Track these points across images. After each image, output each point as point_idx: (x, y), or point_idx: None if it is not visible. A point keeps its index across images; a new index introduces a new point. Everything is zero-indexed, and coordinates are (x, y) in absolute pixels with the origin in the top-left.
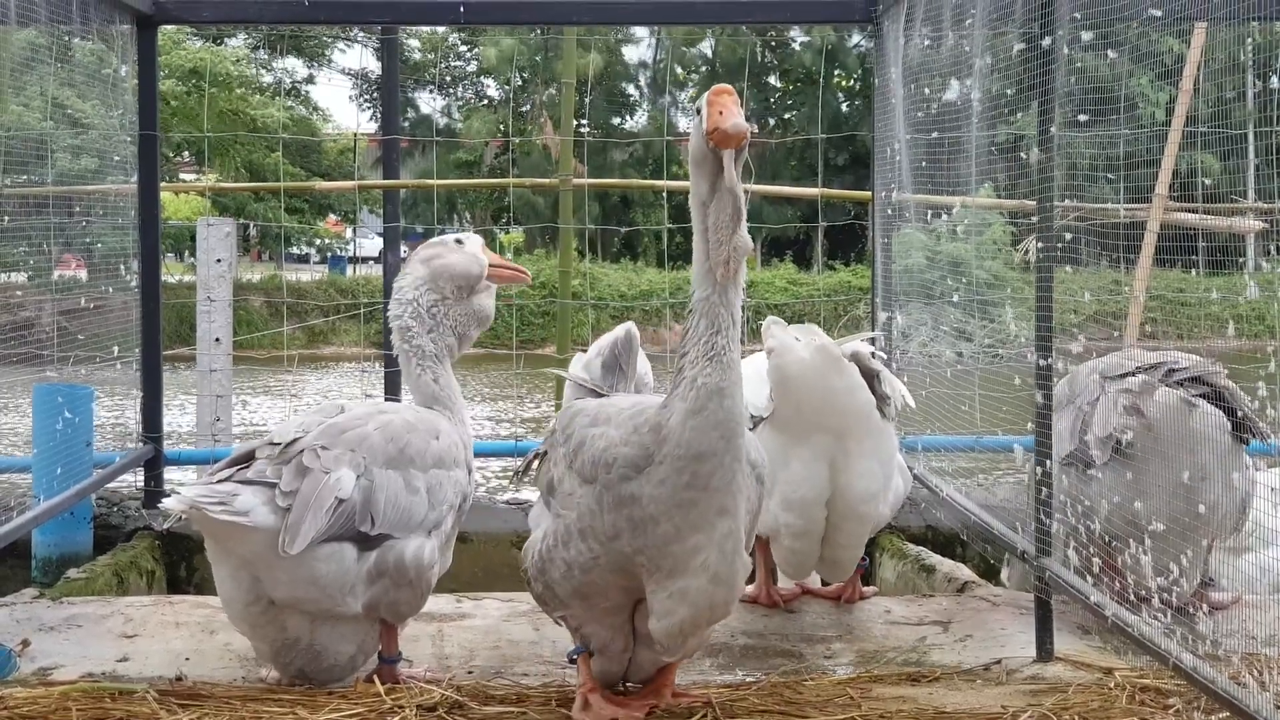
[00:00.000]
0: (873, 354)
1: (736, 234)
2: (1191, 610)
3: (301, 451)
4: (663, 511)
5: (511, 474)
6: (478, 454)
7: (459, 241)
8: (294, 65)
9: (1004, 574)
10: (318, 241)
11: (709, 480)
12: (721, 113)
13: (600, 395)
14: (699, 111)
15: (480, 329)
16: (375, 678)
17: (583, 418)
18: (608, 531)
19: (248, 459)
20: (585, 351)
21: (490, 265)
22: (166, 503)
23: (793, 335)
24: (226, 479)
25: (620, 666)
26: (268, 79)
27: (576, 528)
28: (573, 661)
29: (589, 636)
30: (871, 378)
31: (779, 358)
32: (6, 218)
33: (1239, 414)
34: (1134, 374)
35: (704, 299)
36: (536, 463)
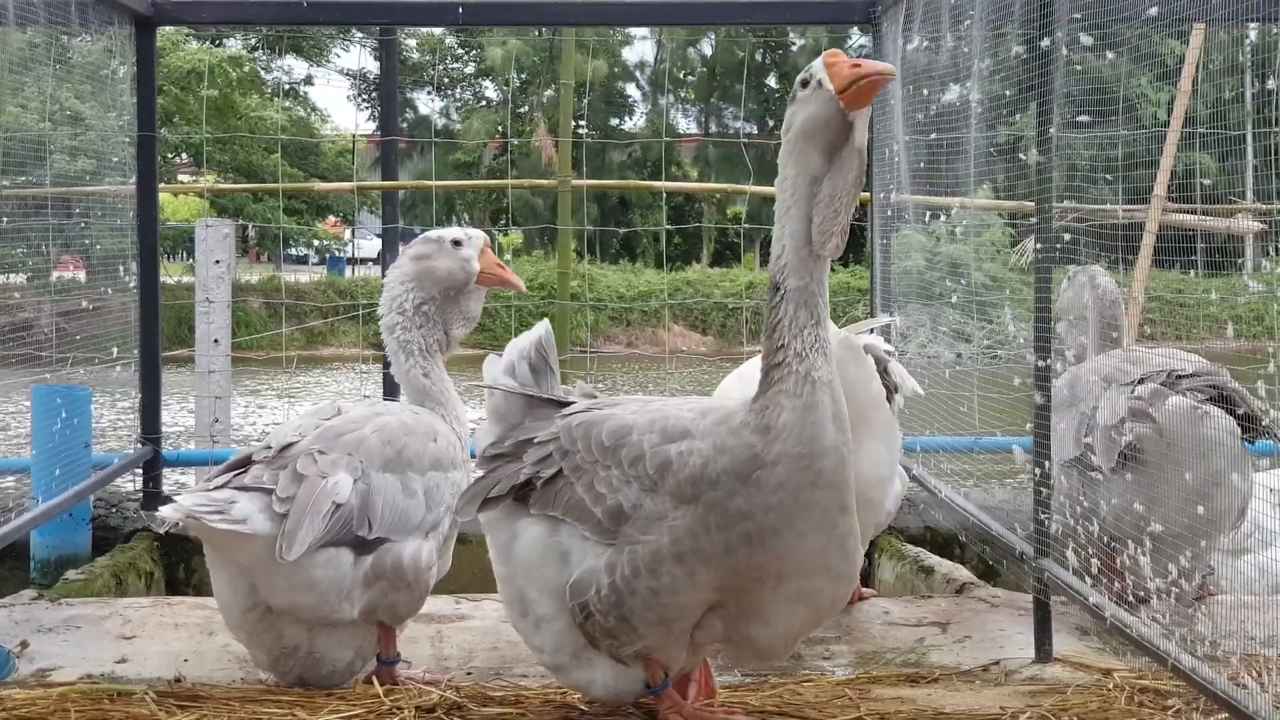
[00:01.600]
0: (887, 351)
1: (855, 202)
2: (1195, 607)
3: (298, 456)
4: (783, 519)
5: (467, 498)
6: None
7: (457, 243)
8: (292, 65)
9: None
10: (316, 243)
11: (831, 477)
12: (858, 65)
13: (537, 399)
14: (805, 84)
15: (466, 329)
16: (374, 679)
17: (638, 435)
18: (716, 550)
19: (245, 464)
20: (501, 356)
21: (482, 271)
22: (163, 511)
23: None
24: (223, 485)
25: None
26: (266, 79)
27: (670, 552)
28: (654, 694)
29: (665, 661)
30: (881, 366)
31: None
32: (5, 219)
33: (1246, 416)
34: (1142, 381)
35: (801, 288)
36: (541, 485)
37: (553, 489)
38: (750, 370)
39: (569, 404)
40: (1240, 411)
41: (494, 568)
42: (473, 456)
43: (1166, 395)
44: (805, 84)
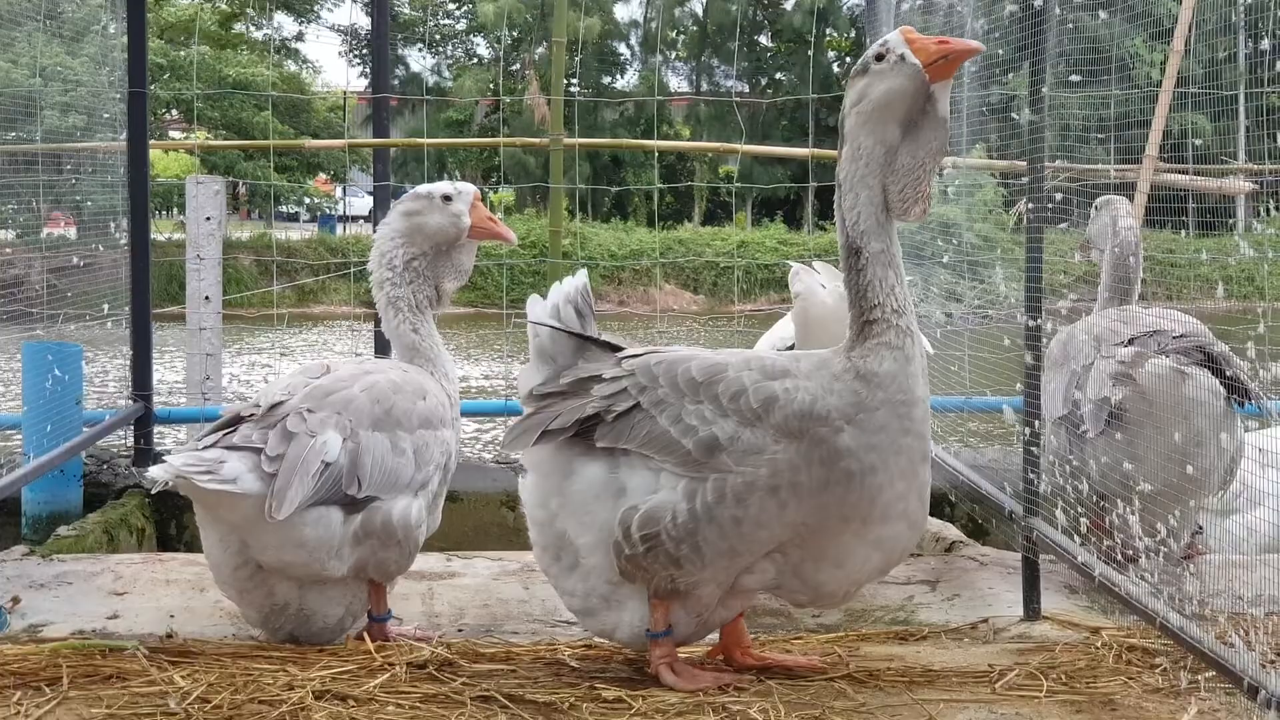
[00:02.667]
0: None
1: (938, 168)
2: (1183, 566)
3: (287, 415)
4: (880, 461)
5: (520, 430)
6: (468, 414)
7: (447, 198)
8: (283, 22)
9: None
10: (307, 200)
11: (920, 425)
12: (944, 42)
13: (592, 341)
14: (880, 58)
15: (458, 283)
16: (366, 636)
17: (732, 373)
18: (814, 485)
19: (234, 423)
20: (544, 298)
21: (473, 225)
22: (152, 471)
23: (819, 281)
24: (212, 445)
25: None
26: (257, 36)
27: (767, 484)
28: (654, 638)
29: (705, 600)
30: None
31: (804, 302)
32: None
33: (1231, 378)
34: (1130, 342)
35: (882, 250)
36: (613, 419)
37: (627, 422)
38: (781, 332)
39: (619, 347)
40: (1228, 373)
41: (531, 513)
42: (464, 415)
43: (1147, 358)
44: (880, 58)
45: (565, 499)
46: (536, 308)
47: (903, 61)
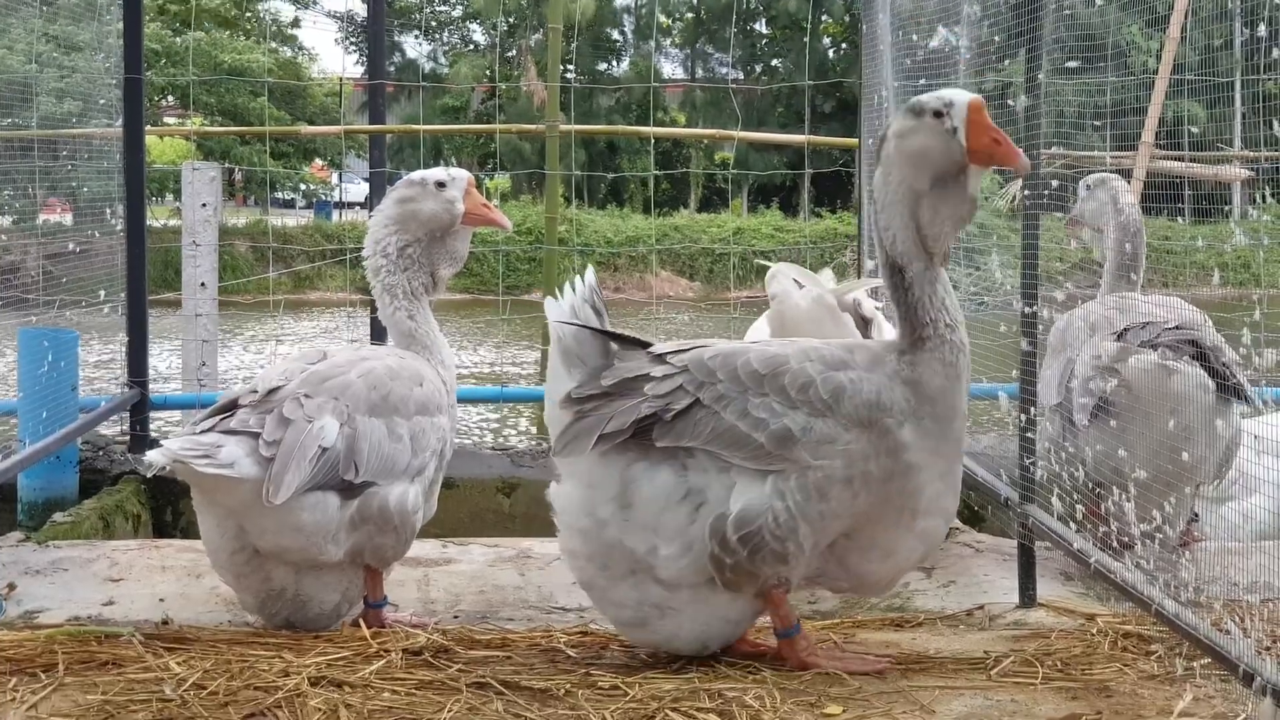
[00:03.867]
0: (877, 306)
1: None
2: (1178, 554)
3: (284, 400)
4: (925, 460)
5: (571, 436)
6: (464, 400)
7: (441, 184)
8: (279, 7)
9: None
10: (303, 186)
11: (959, 434)
12: (999, 141)
13: (623, 339)
14: (938, 115)
15: (452, 269)
16: (361, 622)
17: (795, 364)
18: (881, 475)
19: (231, 407)
20: (559, 299)
21: (467, 212)
22: (150, 455)
23: (794, 283)
24: (210, 429)
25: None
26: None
27: (842, 475)
28: (787, 636)
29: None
30: (866, 324)
31: (779, 304)
32: None
33: (1221, 371)
34: (1122, 334)
35: (923, 269)
36: (670, 416)
37: (689, 420)
38: (756, 334)
39: (646, 343)
40: (1218, 367)
41: (572, 521)
42: (460, 401)
43: (1131, 353)
44: (938, 115)
45: (625, 507)
46: (555, 310)
47: (953, 135)
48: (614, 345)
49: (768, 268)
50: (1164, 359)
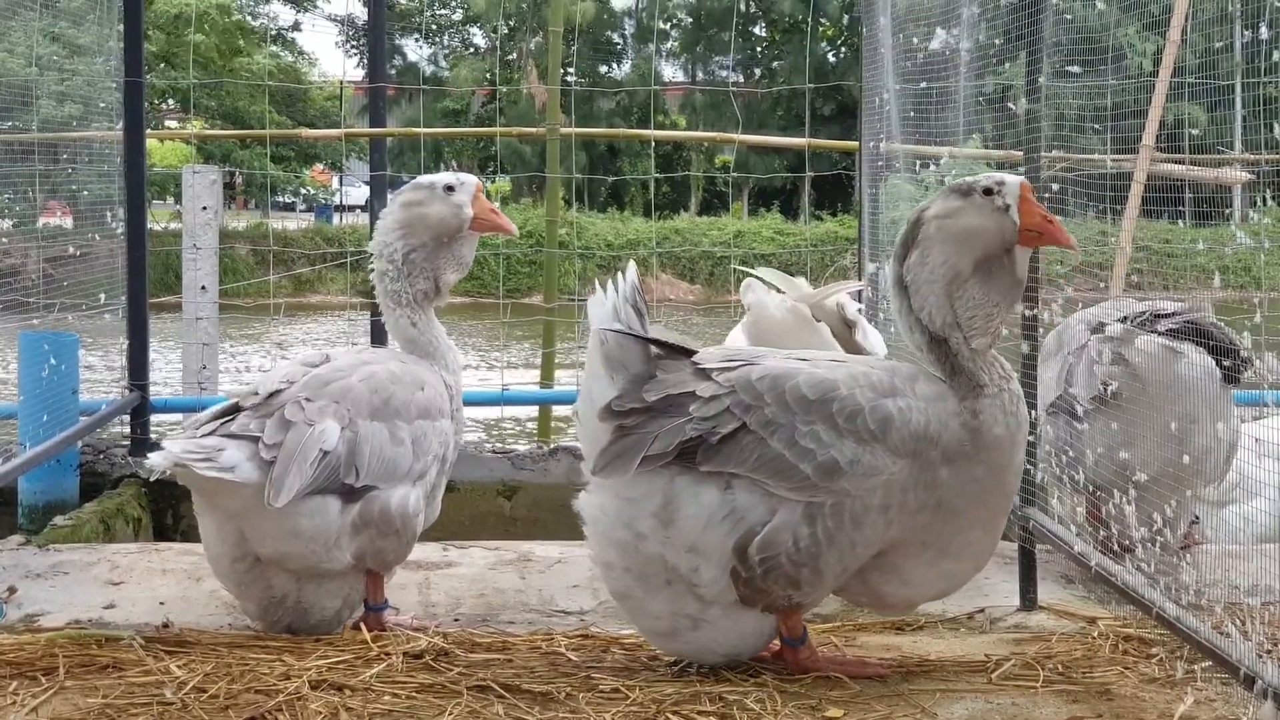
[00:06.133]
0: (859, 308)
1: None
2: (1180, 556)
3: (285, 404)
4: (967, 505)
5: (613, 455)
6: (465, 403)
7: (449, 188)
8: (279, 11)
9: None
10: (304, 190)
11: (1010, 487)
12: (1050, 220)
13: (665, 345)
14: (989, 192)
15: (458, 275)
16: (362, 625)
17: (846, 389)
18: (913, 507)
19: (233, 411)
20: (604, 295)
21: (475, 217)
22: (152, 458)
23: (769, 294)
24: (211, 433)
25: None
26: (254, 25)
27: (879, 503)
28: (786, 643)
29: (803, 611)
30: (850, 328)
31: (754, 314)
32: None
33: (1226, 352)
34: (1123, 321)
35: (962, 339)
36: (716, 440)
37: (735, 445)
38: (733, 344)
39: (690, 350)
40: (1222, 345)
41: (608, 534)
42: (466, 404)
43: (1137, 335)
44: (989, 192)
45: (667, 524)
46: (598, 310)
47: (1005, 212)
48: (655, 350)
49: (773, 268)
50: (1170, 341)
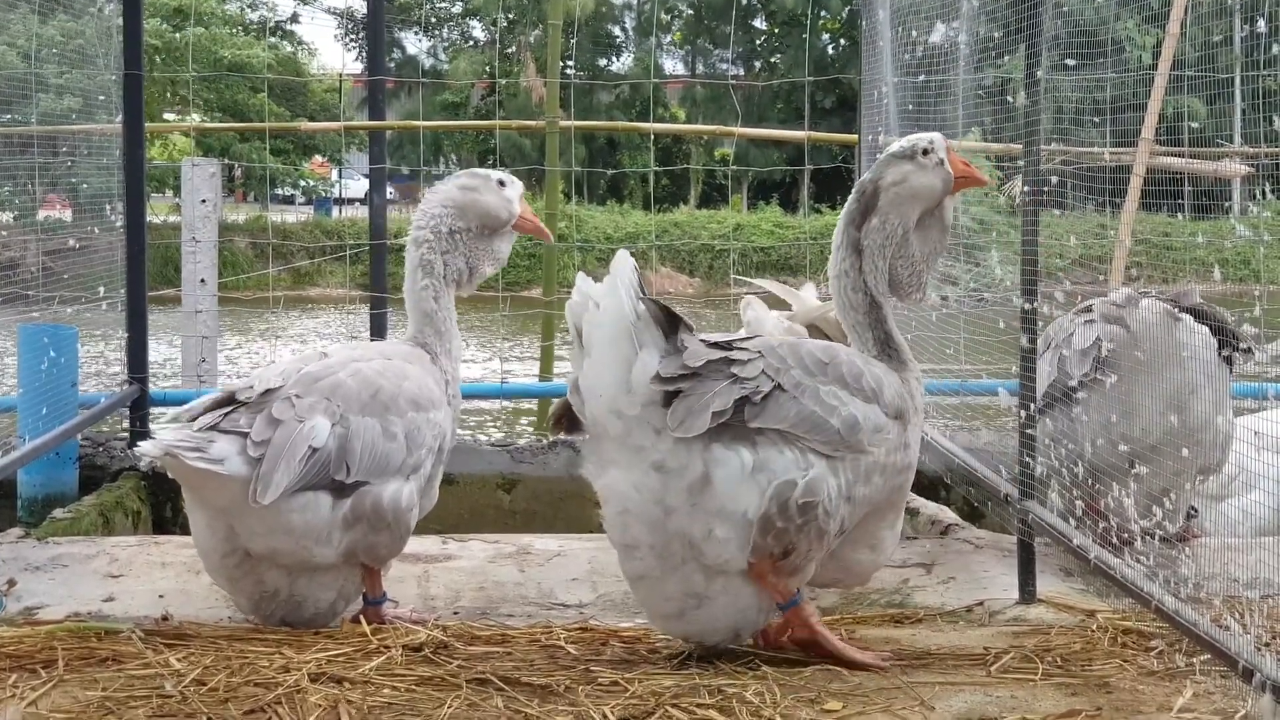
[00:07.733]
0: None
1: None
2: (1178, 548)
3: (274, 401)
4: (911, 462)
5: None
6: (465, 396)
7: (502, 183)
8: (279, 3)
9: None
10: (303, 183)
11: (917, 447)
12: (969, 164)
13: (685, 323)
14: (926, 153)
15: (494, 269)
16: (361, 618)
17: (844, 355)
18: (898, 466)
19: (229, 402)
20: (599, 283)
21: (520, 215)
22: (142, 446)
23: (768, 312)
24: (204, 425)
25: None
26: (253, 17)
27: (882, 462)
28: (784, 609)
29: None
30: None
31: (751, 330)
32: None
33: (1222, 328)
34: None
35: (890, 310)
36: (759, 399)
37: (775, 403)
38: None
39: (692, 329)
40: (1218, 325)
41: (638, 511)
42: (465, 397)
43: (1139, 299)
44: (926, 152)
45: (702, 489)
46: (609, 292)
47: (941, 166)
48: (670, 330)
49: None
50: (1170, 308)
